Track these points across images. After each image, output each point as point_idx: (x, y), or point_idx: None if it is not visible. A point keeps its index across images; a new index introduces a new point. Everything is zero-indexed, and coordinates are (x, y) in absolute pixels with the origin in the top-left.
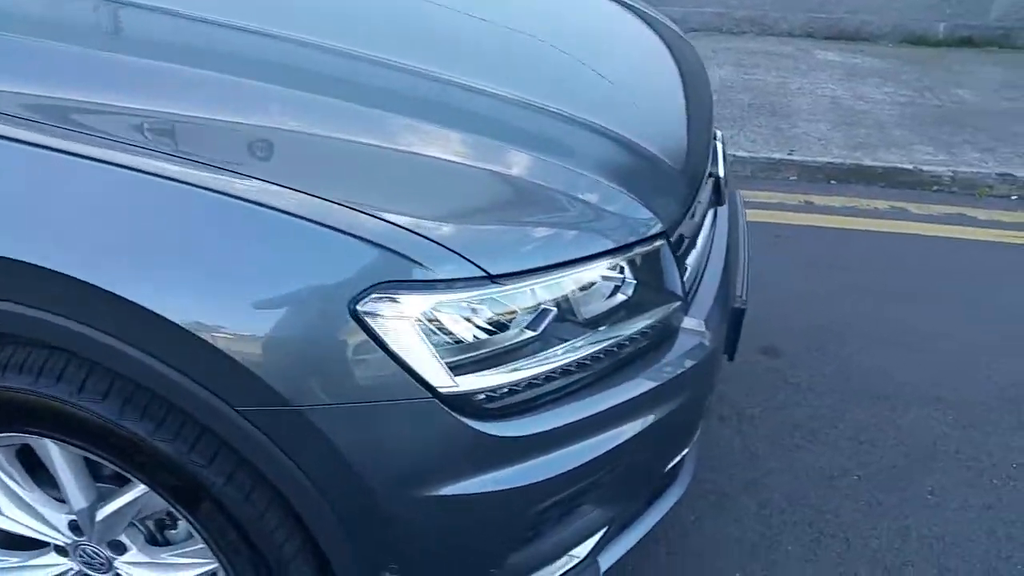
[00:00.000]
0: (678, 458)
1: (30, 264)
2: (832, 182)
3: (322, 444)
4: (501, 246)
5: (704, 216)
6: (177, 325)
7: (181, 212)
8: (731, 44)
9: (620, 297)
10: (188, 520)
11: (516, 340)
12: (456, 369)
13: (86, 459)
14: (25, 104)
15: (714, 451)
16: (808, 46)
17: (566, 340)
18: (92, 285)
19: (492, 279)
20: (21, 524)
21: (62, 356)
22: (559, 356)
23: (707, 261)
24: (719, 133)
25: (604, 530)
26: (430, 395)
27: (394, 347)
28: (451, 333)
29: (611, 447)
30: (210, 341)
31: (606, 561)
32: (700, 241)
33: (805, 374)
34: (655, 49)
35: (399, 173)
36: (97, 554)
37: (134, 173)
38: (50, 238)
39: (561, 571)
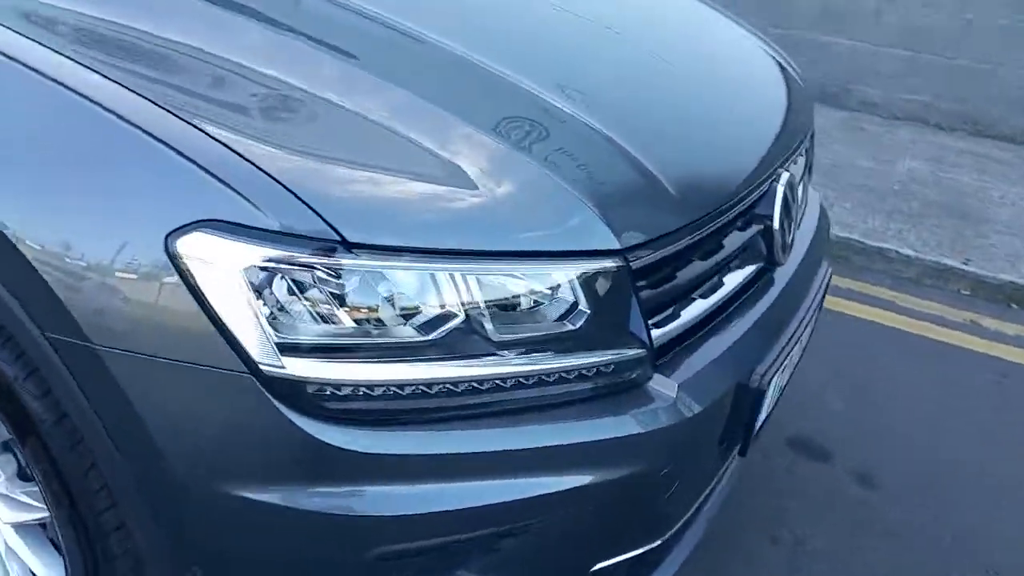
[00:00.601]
0: (621, 557)
1: None
2: (1012, 305)
3: (120, 397)
4: (370, 210)
5: (731, 266)
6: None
7: (40, 116)
8: (936, 139)
9: (551, 318)
10: (19, 454)
11: (390, 337)
12: (291, 349)
13: None
14: None
15: (748, 574)
16: None
17: (466, 356)
18: None
19: (347, 247)
20: None
21: None
22: (448, 371)
23: (725, 322)
24: (786, 178)
25: None
26: (247, 371)
27: (210, 300)
28: (289, 303)
29: (498, 501)
30: (25, 254)
31: None
32: (718, 294)
33: (902, 518)
34: (739, 62)
35: (281, 108)
36: None
37: None
38: None
39: None
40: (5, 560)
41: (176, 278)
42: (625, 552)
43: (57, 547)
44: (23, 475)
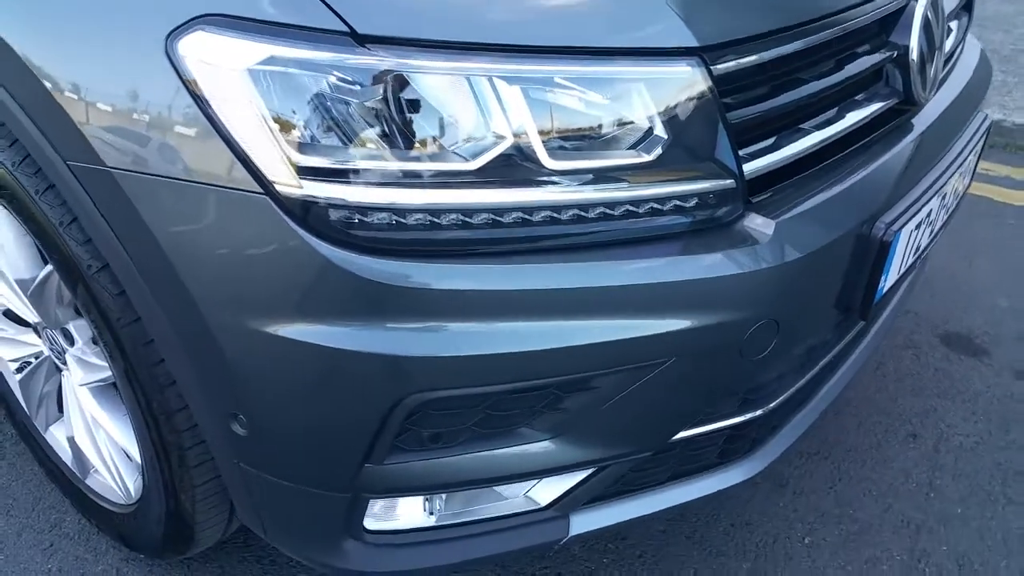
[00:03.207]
0: (707, 427)
1: None
2: None
3: (139, 224)
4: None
5: (851, 97)
6: (17, 55)
7: None
8: None
9: (638, 146)
10: (77, 305)
11: (430, 163)
12: (311, 169)
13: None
14: None
15: (879, 472)
16: None
17: (515, 183)
18: None
19: (357, 39)
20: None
21: None
22: (492, 195)
23: (843, 161)
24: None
25: (579, 479)
26: (261, 191)
27: (215, 107)
28: (306, 111)
29: (556, 346)
30: (40, 79)
31: (580, 525)
32: (835, 127)
33: None
34: None
35: None
36: (55, 340)
37: None
38: None
39: (509, 511)
40: (92, 426)
41: (179, 83)
42: (715, 422)
43: None
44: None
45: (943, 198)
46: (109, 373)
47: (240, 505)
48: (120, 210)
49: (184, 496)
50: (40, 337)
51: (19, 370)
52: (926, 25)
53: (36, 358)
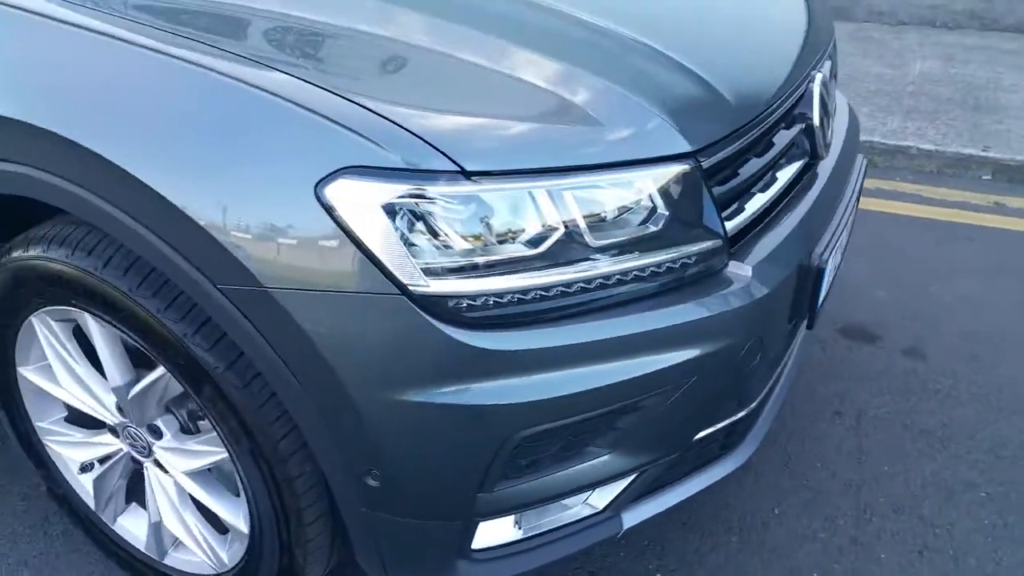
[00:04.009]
0: (717, 426)
1: (68, 139)
2: None
3: (294, 330)
4: (483, 144)
5: (784, 163)
6: (160, 195)
7: (172, 84)
8: (944, 39)
9: (645, 223)
10: (197, 403)
11: (509, 253)
12: (433, 271)
13: (124, 343)
14: None
15: (818, 447)
16: None
17: (573, 262)
18: (116, 165)
19: (467, 176)
20: (77, 399)
21: (95, 235)
22: (559, 276)
23: (782, 212)
24: (820, 78)
25: (627, 483)
26: (399, 292)
27: (360, 235)
28: (425, 231)
29: (614, 382)
30: (187, 212)
31: (630, 519)
32: (774, 187)
33: (948, 381)
34: None
35: (403, 67)
36: (139, 436)
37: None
38: (68, 110)
39: (575, 517)
40: (180, 510)
41: (328, 220)
42: (720, 421)
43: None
44: (185, 429)
45: (847, 227)
46: (217, 457)
47: (360, 547)
48: (274, 320)
49: (298, 551)
50: (118, 436)
51: (83, 470)
52: (822, 99)
53: (109, 457)
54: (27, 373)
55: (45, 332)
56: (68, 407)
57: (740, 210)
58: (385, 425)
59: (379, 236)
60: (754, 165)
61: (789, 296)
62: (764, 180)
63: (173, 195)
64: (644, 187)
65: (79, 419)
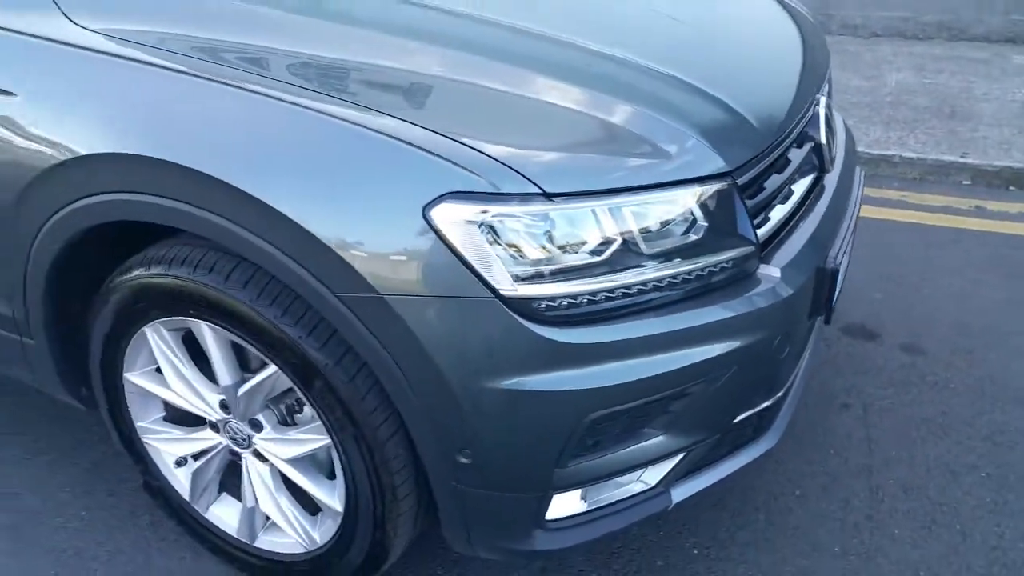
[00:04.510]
0: (753, 410)
1: (211, 176)
2: (1011, 188)
3: (403, 330)
4: (558, 169)
5: (798, 176)
6: (299, 225)
7: (307, 132)
8: (915, 49)
9: (687, 233)
10: (305, 396)
11: (579, 260)
12: (520, 277)
13: (233, 345)
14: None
15: (830, 436)
16: (1005, 51)
17: (630, 267)
18: (244, 192)
19: (548, 197)
20: (184, 399)
21: (215, 253)
22: (620, 279)
23: (799, 220)
24: (824, 101)
25: (676, 461)
26: (492, 295)
27: (460, 249)
28: (514, 243)
29: (668, 370)
30: (317, 235)
31: (679, 494)
32: (792, 199)
33: (945, 373)
34: (761, 15)
35: (485, 107)
36: (240, 431)
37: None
38: (208, 149)
39: (631, 492)
40: (275, 495)
41: (433, 235)
42: (756, 406)
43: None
44: (282, 422)
45: (853, 232)
46: (318, 444)
47: (448, 519)
48: (386, 322)
49: (389, 525)
50: (219, 431)
51: (178, 464)
52: (826, 119)
53: (207, 452)
54: (133, 377)
55: (157, 340)
56: (166, 407)
57: (766, 220)
58: (478, 409)
59: (475, 249)
60: (775, 180)
61: (810, 295)
62: (783, 193)
63: (304, 220)
64: (687, 202)
65: (176, 418)
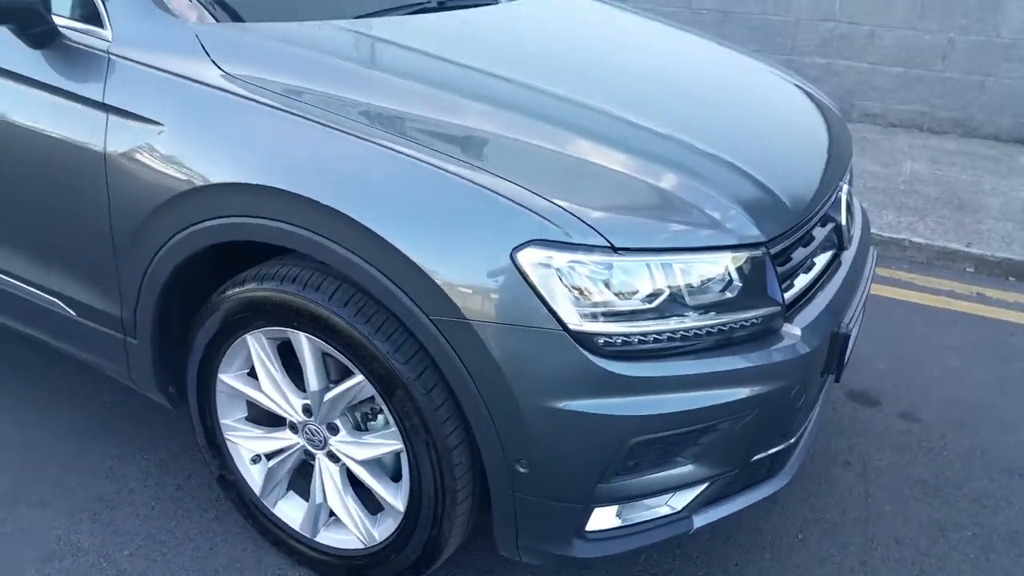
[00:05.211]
0: (770, 451)
1: (333, 208)
2: (1010, 279)
3: (482, 351)
4: (625, 226)
5: (820, 251)
6: (404, 254)
7: (418, 179)
8: (929, 142)
9: (726, 291)
10: (386, 404)
11: (633, 305)
12: (584, 315)
13: (324, 355)
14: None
15: (832, 489)
16: (1013, 151)
17: (676, 315)
18: (367, 228)
19: (615, 250)
20: (272, 401)
21: (322, 274)
22: (668, 325)
23: (819, 289)
24: (846, 187)
25: (700, 490)
26: (562, 328)
27: (539, 288)
28: (582, 286)
29: (701, 406)
30: (420, 265)
31: (699, 521)
32: (814, 270)
33: (940, 441)
34: (803, 114)
35: (563, 169)
36: (318, 433)
37: (406, 158)
38: (337, 189)
39: (659, 515)
40: (343, 494)
41: (517, 274)
42: (772, 447)
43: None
44: (356, 427)
45: (864, 304)
46: (390, 448)
47: (501, 522)
48: (469, 344)
49: (446, 525)
50: (297, 432)
51: (253, 461)
52: (847, 203)
53: (283, 451)
54: (226, 378)
55: (257, 347)
56: (249, 407)
57: (791, 286)
58: (539, 425)
59: (550, 288)
60: (801, 253)
61: (824, 354)
62: (806, 264)
63: (410, 252)
64: (727, 264)
65: (257, 418)
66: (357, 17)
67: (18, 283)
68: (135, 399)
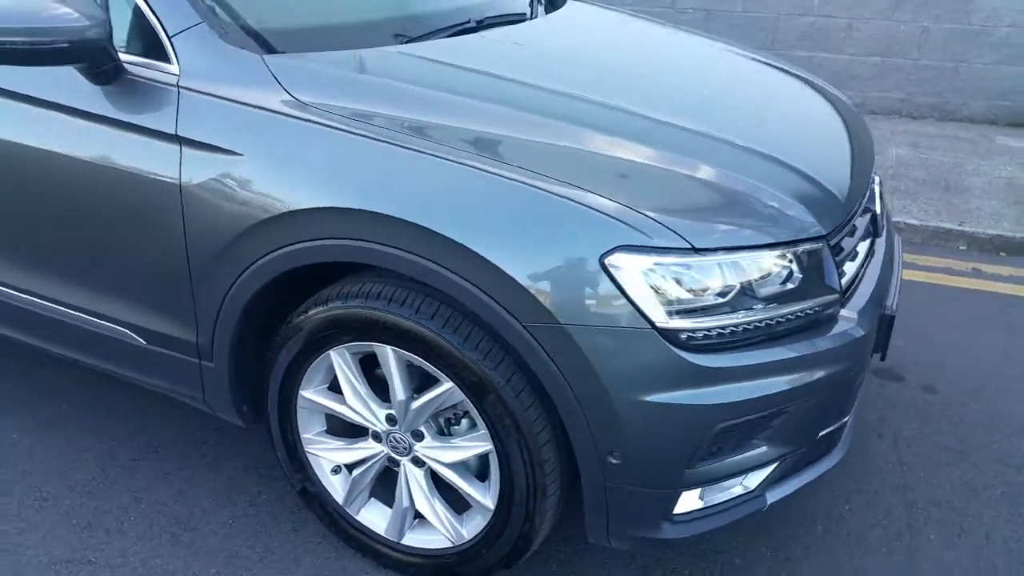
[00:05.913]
0: (831, 427)
1: (424, 227)
2: (1002, 254)
3: (576, 352)
4: (703, 228)
5: (861, 240)
6: (498, 267)
7: (507, 195)
8: (910, 127)
9: (788, 282)
10: (477, 409)
11: (711, 301)
12: (670, 312)
13: (408, 365)
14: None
15: (869, 461)
16: (989, 132)
17: (746, 308)
18: (464, 245)
19: (696, 250)
20: (356, 412)
21: (405, 289)
22: (740, 318)
23: (864, 274)
24: (877, 178)
25: (771, 469)
26: (650, 327)
27: (628, 290)
28: (666, 286)
29: (775, 391)
30: (512, 276)
31: (771, 497)
32: (858, 258)
33: (959, 410)
34: (828, 110)
35: (640, 177)
36: (402, 440)
37: (480, 173)
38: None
39: (735, 495)
40: (429, 497)
41: (607, 279)
42: (834, 423)
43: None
44: (440, 432)
45: (899, 286)
46: (480, 450)
47: (592, 511)
48: (563, 347)
49: (537, 518)
50: (380, 442)
51: (334, 472)
52: (881, 195)
53: (365, 460)
54: (307, 394)
55: (340, 362)
56: (328, 420)
57: (843, 274)
58: (631, 418)
59: (638, 290)
60: (849, 243)
61: (874, 335)
62: (851, 252)
63: (502, 264)
64: (791, 258)
65: (335, 430)
66: (404, 41)
67: (83, 315)
68: (184, 422)
